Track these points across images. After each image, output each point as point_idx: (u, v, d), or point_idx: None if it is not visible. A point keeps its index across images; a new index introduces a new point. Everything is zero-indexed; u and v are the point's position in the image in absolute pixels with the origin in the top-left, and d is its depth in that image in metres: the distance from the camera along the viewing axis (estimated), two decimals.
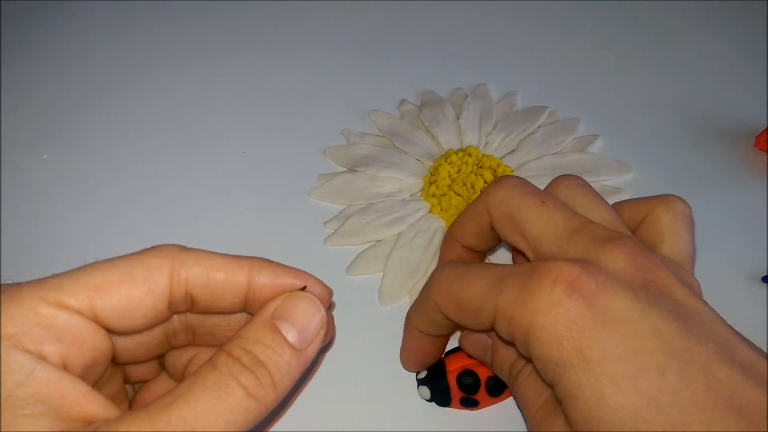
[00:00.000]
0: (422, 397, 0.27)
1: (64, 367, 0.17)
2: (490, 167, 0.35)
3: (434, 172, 0.35)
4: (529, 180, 0.34)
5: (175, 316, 0.22)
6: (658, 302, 0.19)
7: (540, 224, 0.22)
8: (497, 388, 0.26)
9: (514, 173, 0.35)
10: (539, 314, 0.19)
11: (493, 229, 0.24)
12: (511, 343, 0.22)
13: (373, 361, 0.29)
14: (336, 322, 0.30)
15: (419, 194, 0.35)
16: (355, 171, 0.36)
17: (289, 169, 0.36)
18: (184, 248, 0.20)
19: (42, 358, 0.17)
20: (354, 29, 0.45)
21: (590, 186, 0.24)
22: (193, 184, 0.36)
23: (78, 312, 0.18)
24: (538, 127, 0.38)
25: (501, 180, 0.24)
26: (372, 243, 0.33)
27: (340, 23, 0.46)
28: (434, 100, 0.39)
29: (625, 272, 0.20)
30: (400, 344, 0.29)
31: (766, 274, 0.31)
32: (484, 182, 0.34)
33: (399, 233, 0.33)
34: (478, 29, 0.45)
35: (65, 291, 0.18)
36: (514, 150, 0.36)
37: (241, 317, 0.22)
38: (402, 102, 0.40)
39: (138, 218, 0.35)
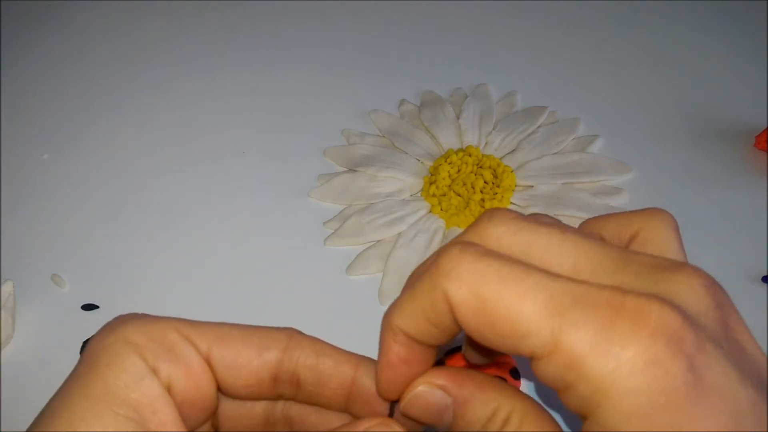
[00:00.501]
0: None
1: (168, 389, 0.18)
2: (490, 167, 0.35)
3: (434, 172, 0.35)
4: (529, 180, 0.35)
5: (278, 405, 0.21)
6: (741, 360, 0.16)
7: (572, 257, 0.17)
8: None
9: (514, 173, 0.35)
10: (630, 374, 0.15)
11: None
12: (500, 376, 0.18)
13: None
14: (336, 322, 0.30)
15: (419, 194, 0.35)
16: (355, 171, 0.36)
17: (289, 169, 0.36)
18: (301, 332, 0.20)
19: (154, 371, 0.18)
20: (354, 29, 0.45)
21: (525, 217, 0.19)
22: (193, 184, 0.36)
23: (197, 349, 0.19)
24: (538, 127, 0.38)
25: (445, 255, 0.17)
26: (372, 243, 0.33)
27: (340, 23, 0.46)
28: (434, 100, 0.39)
29: (709, 315, 0.16)
30: None
31: (766, 274, 0.31)
32: (484, 182, 0.34)
33: (399, 233, 0.33)
34: (478, 29, 0.45)
35: (194, 329, 0.19)
36: (514, 150, 0.36)
37: (341, 418, 0.21)
38: (402, 102, 0.40)
39: (138, 218, 0.35)
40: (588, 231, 0.21)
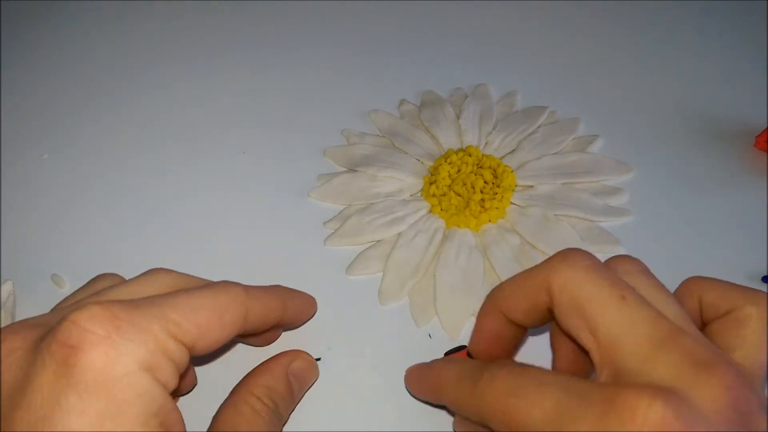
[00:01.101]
0: None
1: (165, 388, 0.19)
2: (490, 167, 0.35)
3: (434, 172, 0.35)
4: (529, 180, 0.35)
5: None
6: None
7: (618, 326, 0.18)
8: None
9: (514, 173, 0.35)
10: None
11: (550, 310, 0.21)
12: None
13: (373, 361, 0.29)
14: (336, 322, 0.30)
15: (419, 194, 0.35)
16: (355, 171, 0.36)
17: (289, 169, 0.36)
18: (247, 291, 0.23)
19: (165, 387, 0.19)
20: (354, 29, 0.45)
21: (651, 273, 0.21)
22: (193, 184, 0.36)
23: (186, 347, 0.20)
24: (538, 127, 0.38)
25: (568, 255, 0.20)
26: (372, 243, 0.33)
27: (340, 23, 0.46)
28: (434, 100, 0.39)
29: (722, 415, 0.16)
30: (400, 344, 0.29)
31: (766, 274, 0.31)
32: (484, 182, 0.34)
33: (399, 233, 0.33)
34: (478, 29, 0.45)
35: (180, 326, 0.20)
36: (514, 150, 0.36)
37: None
38: (402, 102, 0.40)
39: (138, 218, 0.35)
40: (686, 289, 0.22)
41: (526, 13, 0.46)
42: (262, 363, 0.25)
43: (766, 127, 0.37)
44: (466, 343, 0.29)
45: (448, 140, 0.37)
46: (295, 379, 0.25)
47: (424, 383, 0.25)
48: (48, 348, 0.18)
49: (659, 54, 0.43)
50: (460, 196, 0.34)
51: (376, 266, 0.32)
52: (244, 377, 0.25)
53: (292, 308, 0.26)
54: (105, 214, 0.35)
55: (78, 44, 0.45)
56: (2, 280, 0.31)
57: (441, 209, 0.33)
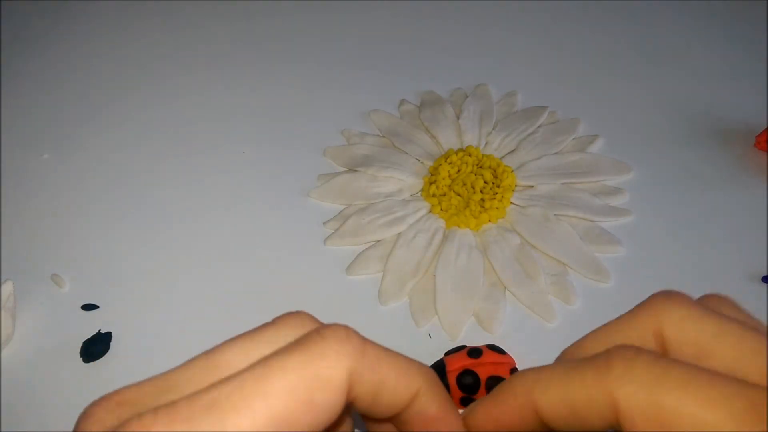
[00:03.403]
0: None
1: None
2: (490, 167, 0.35)
3: (434, 172, 0.35)
4: (529, 180, 0.35)
5: None
6: None
7: (760, 362, 0.16)
8: None
9: (514, 173, 0.35)
10: None
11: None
12: None
13: None
14: (336, 323, 0.30)
15: (419, 194, 0.35)
16: (355, 171, 0.36)
17: (289, 169, 0.36)
18: (361, 351, 0.17)
19: None
20: (354, 29, 0.45)
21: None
22: (193, 184, 0.36)
23: None
24: (538, 127, 0.38)
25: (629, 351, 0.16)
26: (372, 243, 0.33)
27: (341, 23, 0.46)
28: (434, 100, 0.39)
29: None
30: (399, 344, 0.29)
31: (766, 274, 0.31)
32: (484, 182, 0.34)
33: (399, 233, 0.33)
34: (478, 29, 0.45)
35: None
36: (514, 150, 0.36)
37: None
38: (402, 102, 0.40)
39: (138, 218, 0.35)
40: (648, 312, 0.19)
41: (526, 13, 0.46)
42: None
43: (766, 127, 0.37)
44: (466, 343, 0.29)
45: (448, 140, 0.37)
46: None
47: (505, 406, 0.19)
48: None
49: (659, 54, 0.43)
50: (460, 196, 0.34)
51: (376, 266, 0.32)
52: None
53: (425, 400, 0.19)
54: (105, 213, 0.35)
55: (78, 44, 0.45)
56: (2, 280, 0.31)
57: (441, 209, 0.33)
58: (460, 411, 0.26)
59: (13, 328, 0.30)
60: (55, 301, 0.31)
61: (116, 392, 0.17)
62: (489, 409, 0.19)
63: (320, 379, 0.16)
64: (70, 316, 0.31)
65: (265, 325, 0.18)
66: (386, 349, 0.18)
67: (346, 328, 0.17)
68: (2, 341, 0.29)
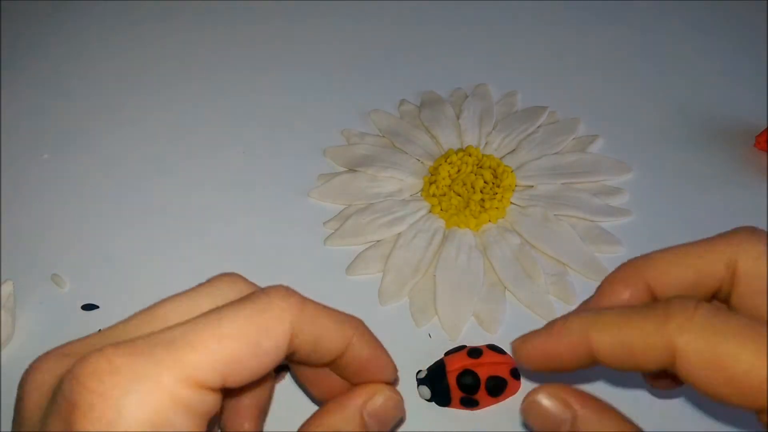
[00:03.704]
0: (422, 397, 0.27)
1: None
2: (490, 167, 0.35)
3: (434, 172, 0.35)
4: (529, 180, 0.35)
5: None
6: None
7: None
8: (497, 388, 0.26)
9: (514, 173, 0.35)
10: None
11: (717, 290, 0.20)
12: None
13: None
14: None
15: (419, 194, 0.35)
16: (355, 171, 0.36)
17: (289, 169, 0.36)
18: (301, 306, 0.19)
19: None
20: (354, 29, 0.45)
21: None
22: (193, 184, 0.36)
23: (211, 390, 0.17)
24: (538, 127, 0.38)
25: (757, 231, 0.19)
26: (372, 243, 0.33)
27: (340, 23, 0.46)
28: (434, 100, 0.39)
29: None
30: (399, 345, 0.29)
31: None
32: (484, 182, 0.34)
33: (399, 233, 0.33)
34: (478, 29, 0.45)
35: (200, 369, 0.17)
36: (514, 150, 0.36)
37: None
38: (402, 102, 0.40)
39: (138, 218, 0.35)
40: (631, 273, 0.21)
41: (526, 13, 0.46)
42: (337, 398, 0.21)
43: (766, 127, 0.37)
44: (466, 343, 0.29)
45: (448, 140, 0.37)
46: (372, 419, 0.21)
47: (560, 340, 0.20)
48: (56, 398, 0.16)
49: (659, 54, 0.43)
50: (460, 196, 0.34)
51: (376, 266, 0.32)
52: (313, 415, 0.21)
53: (358, 350, 0.21)
54: (105, 214, 0.35)
55: (78, 44, 0.45)
56: (2, 280, 0.31)
57: (441, 209, 0.33)
58: (462, 411, 0.27)
59: (13, 328, 0.30)
60: (55, 301, 0.31)
61: (61, 346, 0.19)
62: (543, 342, 0.21)
63: (266, 327, 0.18)
64: (70, 316, 0.31)
65: (202, 284, 0.20)
66: (323, 305, 0.20)
67: (286, 287, 0.19)
68: (2, 341, 0.29)
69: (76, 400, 0.16)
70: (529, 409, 0.20)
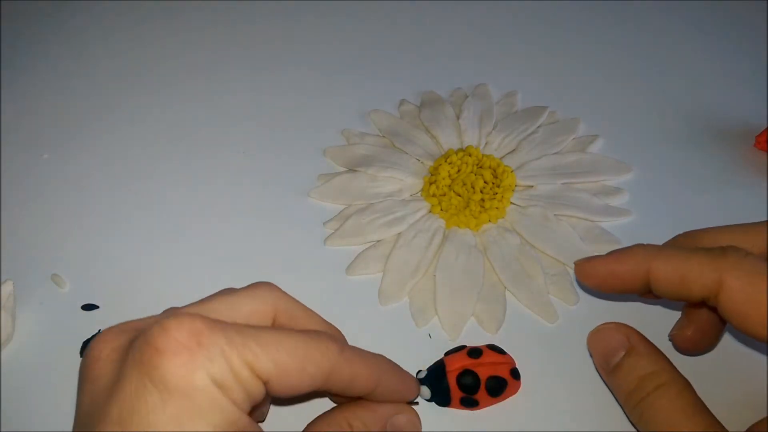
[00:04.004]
0: (422, 397, 0.27)
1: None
2: (490, 167, 0.35)
3: (434, 172, 0.35)
4: (529, 180, 0.35)
5: None
6: None
7: None
8: (497, 388, 0.26)
9: (514, 173, 0.35)
10: None
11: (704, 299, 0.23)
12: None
13: None
14: (336, 323, 0.30)
15: (419, 194, 0.35)
16: (355, 171, 0.36)
17: (289, 169, 0.36)
18: (342, 348, 0.22)
19: (239, 408, 0.19)
20: (354, 29, 0.45)
21: None
22: (193, 184, 0.36)
23: (261, 381, 0.20)
24: (538, 127, 0.38)
25: (740, 252, 0.23)
26: (372, 243, 0.33)
27: (340, 23, 0.46)
28: (434, 100, 0.39)
29: None
30: (399, 345, 0.29)
31: None
32: (484, 182, 0.34)
33: (399, 233, 0.33)
34: (478, 29, 0.45)
35: (258, 359, 0.19)
36: (514, 150, 0.36)
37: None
38: (402, 102, 0.40)
39: (138, 218, 0.35)
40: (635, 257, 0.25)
41: (526, 13, 0.46)
42: (366, 402, 0.24)
43: (766, 127, 0.37)
44: (466, 343, 0.29)
45: (448, 140, 0.37)
46: (393, 430, 0.25)
47: (623, 263, 0.25)
48: (139, 347, 0.19)
49: (659, 54, 0.43)
50: (460, 196, 0.34)
51: (376, 266, 0.32)
52: (345, 404, 0.24)
53: (386, 385, 0.24)
54: (105, 214, 0.35)
55: (78, 44, 0.45)
56: (2, 280, 0.31)
57: (441, 209, 0.33)
58: (462, 411, 0.27)
59: (13, 328, 0.30)
60: (55, 301, 0.31)
61: (118, 324, 0.21)
62: (608, 262, 0.25)
63: (313, 358, 0.21)
64: (70, 316, 0.31)
65: (244, 289, 0.23)
66: (359, 350, 0.23)
67: (334, 335, 0.23)
68: (2, 341, 0.29)
69: (163, 346, 0.18)
70: (596, 333, 0.25)
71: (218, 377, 0.19)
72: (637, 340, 0.24)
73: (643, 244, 0.25)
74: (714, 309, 0.23)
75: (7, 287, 0.30)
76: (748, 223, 0.25)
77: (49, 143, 0.38)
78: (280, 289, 0.23)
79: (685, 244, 0.26)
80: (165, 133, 0.39)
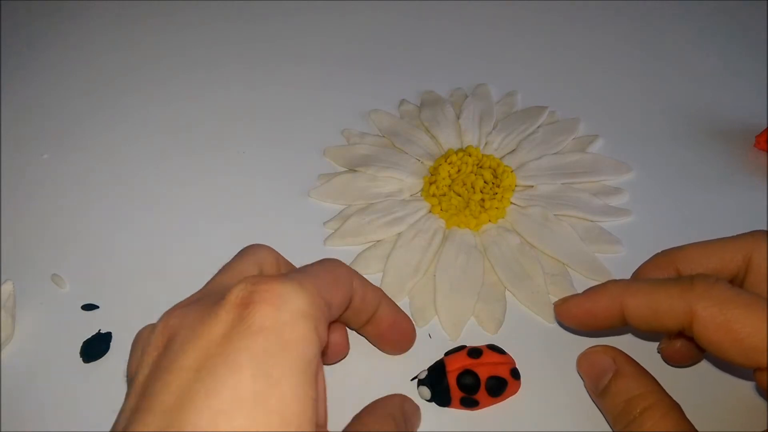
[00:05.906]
0: (422, 397, 0.27)
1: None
2: (490, 167, 0.35)
3: (434, 172, 0.35)
4: (529, 181, 0.35)
5: None
6: None
7: None
8: (497, 388, 0.26)
9: (514, 173, 0.35)
10: None
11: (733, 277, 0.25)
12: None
13: (372, 362, 0.29)
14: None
15: (419, 194, 0.35)
16: (355, 171, 0.36)
17: (289, 169, 0.36)
18: (354, 271, 0.25)
19: (320, 340, 0.20)
20: (354, 29, 0.45)
21: None
22: (193, 184, 0.36)
23: (329, 306, 0.22)
24: (538, 127, 0.38)
25: None
26: (372, 243, 0.33)
27: (340, 23, 0.46)
28: (434, 100, 0.39)
29: None
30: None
31: None
32: (484, 182, 0.34)
33: (399, 233, 0.33)
34: (478, 29, 0.45)
35: (324, 290, 0.21)
36: (514, 150, 0.36)
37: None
38: (402, 102, 0.40)
39: (138, 218, 0.35)
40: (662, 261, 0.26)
41: (526, 13, 0.46)
42: (378, 399, 0.25)
43: (766, 127, 0.37)
44: (466, 343, 0.29)
45: (448, 140, 0.37)
46: (403, 417, 0.25)
47: (597, 302, 0.25)
48: (222, 307, 0.20)
49: (659, 54, 0.43)
50: (460, 196, 0.34)
51: (376, 266, 0.32)
52: (370, 405, 0.25)
53: (386, 305, 0.26)
54: (105, 213, 0.35)
55: (78, 44, 0.45)
56: (2, 280, 0.31)
57: (441, 209, 0.33)
58: (462, 411, 0.27)
59: (13, 328, 0.30)
60: (55, 301, 0.31)
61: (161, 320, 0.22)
62: (582, 302, 0.25)
63: (338, 276, 0.23)
64: (70, 316, 0.31)
65: (242, 253, 0.25)
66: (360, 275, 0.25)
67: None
68: (2, 341, 0.29)
69: (249, 299, 0.20)
70: (584, 357, 0.26)
71: (306, 309, 0.20)
72: (623, 362, 0.25)
73: (616, 280, 0.25)
74: (692, 339, 0.23)
75: (7, 287, 0.30)
76: (726, 238, 0.25)
77: (49, 143, 0.38)
78: (273, 249, 0.26)
79: (662, 264, 0.26)
80: (165, 134, 0.39)
